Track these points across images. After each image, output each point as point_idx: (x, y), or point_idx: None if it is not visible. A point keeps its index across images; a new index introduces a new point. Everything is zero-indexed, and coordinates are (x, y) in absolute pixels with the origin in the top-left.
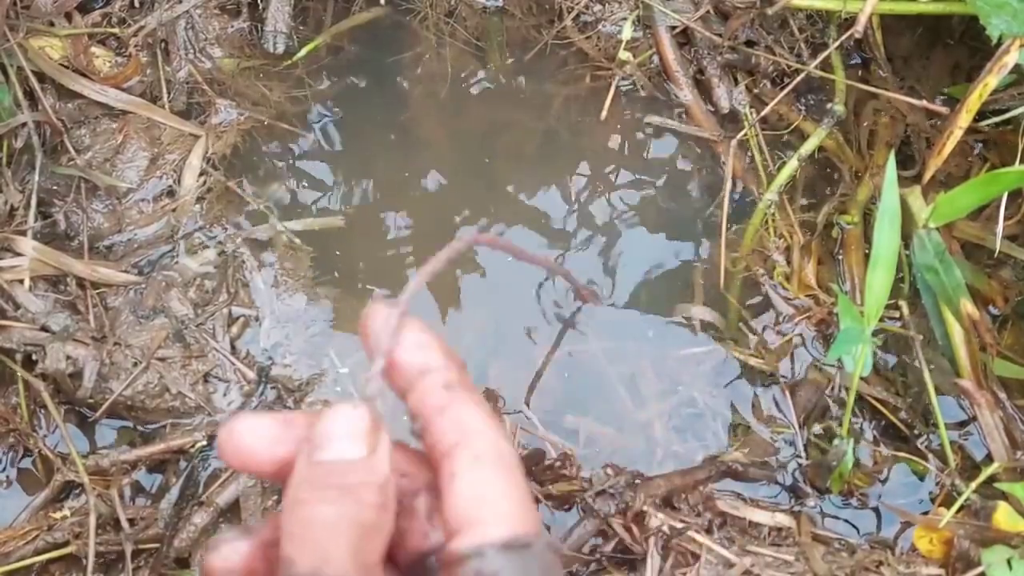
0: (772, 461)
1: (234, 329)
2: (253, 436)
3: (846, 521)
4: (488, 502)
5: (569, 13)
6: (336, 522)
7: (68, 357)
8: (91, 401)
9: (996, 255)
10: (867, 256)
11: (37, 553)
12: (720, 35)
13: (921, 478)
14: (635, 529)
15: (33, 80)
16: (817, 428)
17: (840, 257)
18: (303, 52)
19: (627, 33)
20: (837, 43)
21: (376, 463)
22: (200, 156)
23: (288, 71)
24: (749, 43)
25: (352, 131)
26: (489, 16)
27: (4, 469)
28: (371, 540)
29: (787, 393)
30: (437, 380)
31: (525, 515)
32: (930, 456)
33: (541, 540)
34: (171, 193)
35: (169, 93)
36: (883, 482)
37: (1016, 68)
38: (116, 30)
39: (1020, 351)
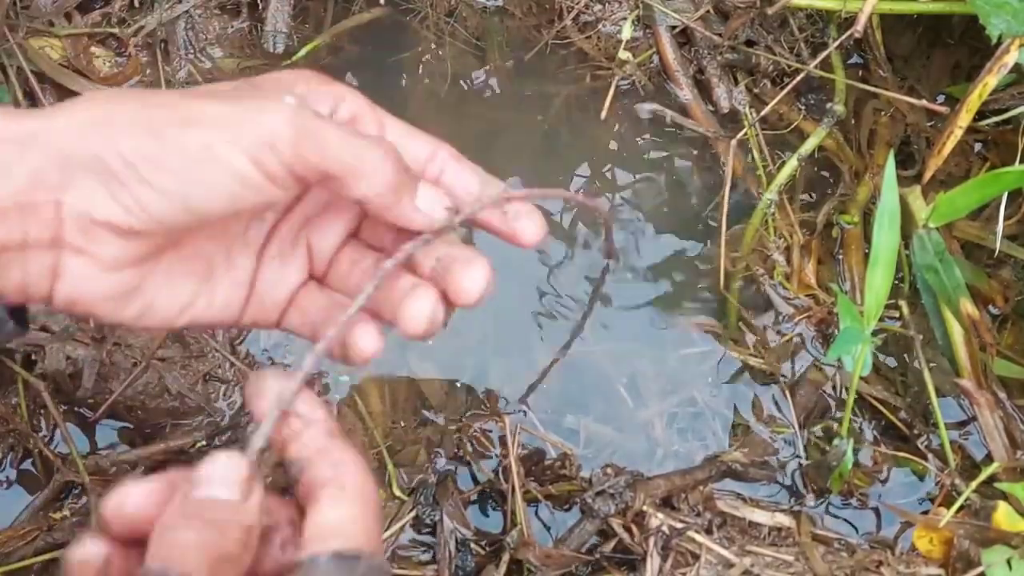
0: (772, 461)
1: (234, 329)
2: (138, 504)
3: (846, 521)
4: (334, 523)
5: (569, 13)
6: (197, 545)
7: (68, 357)
8: (91, 401)
9: (996, 255)
10: (867, 256)
11: (37, 553)
12: (720, 35)
13: (921, 478)
14: (635, 529)
15: (33, 80)
16: (817, 428)
17: (840, 257)
18: (303, 52)
19: (627, 33)
20: (837, 43)
21: (247, 508)
22: None
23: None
24: (749, 43)
25: None
26: (489, 16)
27: (4, 469)
28: (227, 570)
29: (787, 393)
30: (320, 429)
31: (366, 537)
32: (930, 456)
33: (374, 557)
34: None
35: None
36: (883, 482)
37: (1016, 68)
38: (116, 30)
39: (1020, 351)
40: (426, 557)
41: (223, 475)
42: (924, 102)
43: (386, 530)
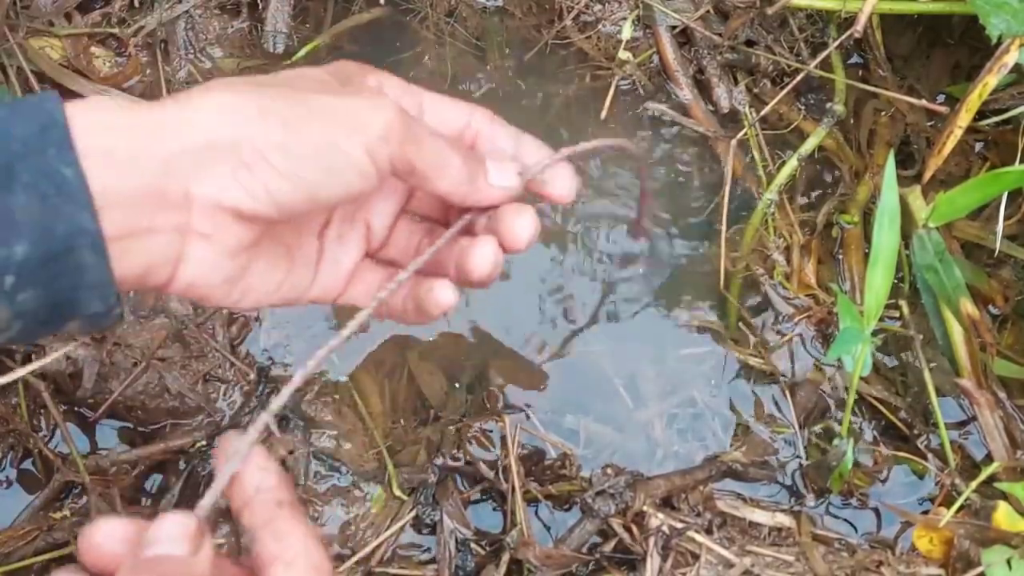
0: (772, 461)
1: (234, 329)
2: (107, 543)
3: (846, 521)
4: None
5: (569, 13)
6: None
7: (68, 357)
8: (91, 401)
9: (996, 255)
10: (867, 256)
11: (37, 553)
12: (720, 35)
13: (921, 478)
14: (635, 529)
15: (33, 80)
16: (817, 428)
17: (840, 257)
18: (303, 52)
19: (627, 33)
20: (837, 43)
21: (196, 562)
22: None
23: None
24: (749, 43)
25: None
26: (489, 16)
27: (4, 469)
28: None
29: (787, 393)
30: (269, 498)
31: None
32: (930, 456)
33: None
34: None
35: (169, 93)
36: (883, 482)
37: (1016, 68)
38: (116, 30)
39: (1020, 351)
40: (426, 557)
41: (172, 532)
42: (924, 102)
43: (386, 530)
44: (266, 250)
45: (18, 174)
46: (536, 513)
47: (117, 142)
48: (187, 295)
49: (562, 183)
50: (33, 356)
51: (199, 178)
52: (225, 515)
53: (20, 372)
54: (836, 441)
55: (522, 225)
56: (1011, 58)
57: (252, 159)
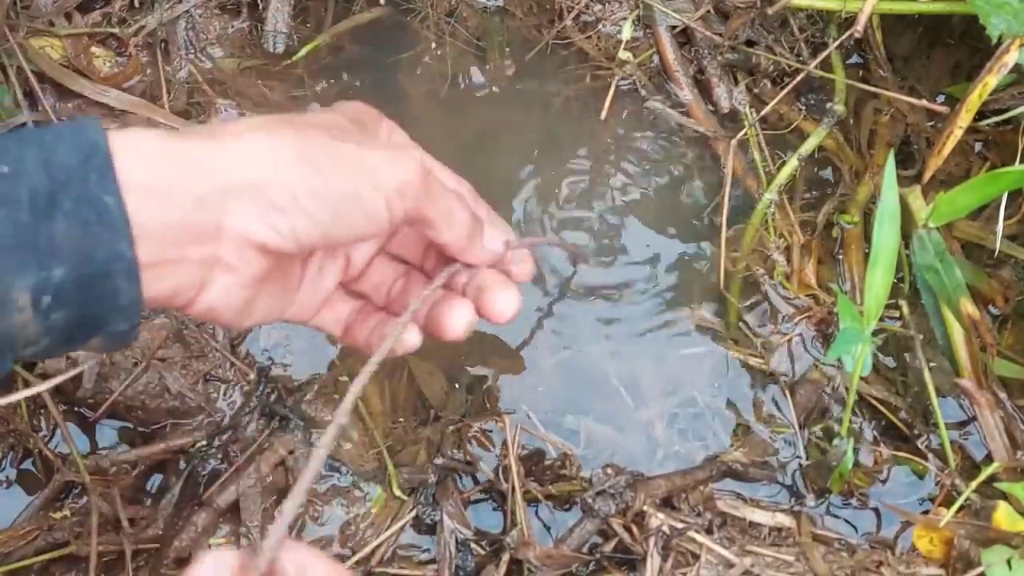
0: (772, 461)
1: (237, 329)
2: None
3: (846, 521)
4: None
5: (569, 13)
6: None
7: (68, 357)
8: (91, 401)
9: (996, 255)
10: (867, 256)
11: (37, 553)
12: (720, 35)
13: (921, 478)
14: (635, 529)
15: (33, 80)
16: (817, 428)
17: (840, 257)
18: (303, 52)
19: (627, 33)
20: (837, 43)
21: None
22: None
23: (288, 71)
24: (749, 43)
25: None
26: (489, 16)
27: (4, 469)
28: None
29: (787, 393)
30: None
31: None
32: (930, 456)
33: None
34: None
35: (169, 93)
36: (883, 482)
37: (1016, 68)
38: (116, 30)
39: (1020, 351)
40: (426, 557)
41: (215, 571)
42: (924, 102)
43: (386, 530)
44: (273, 278)
45: (60, 203)
46: (536, 513)
47: (158, 178)
48: (203, 317)
49: (524, 268)
50: (37, 363)
51: (230, 215)
52: (225, 515)
53: (40, 388)
54: (836, 441)
55: (506, 301)
56: (1011, 58)
57: (284, 200)
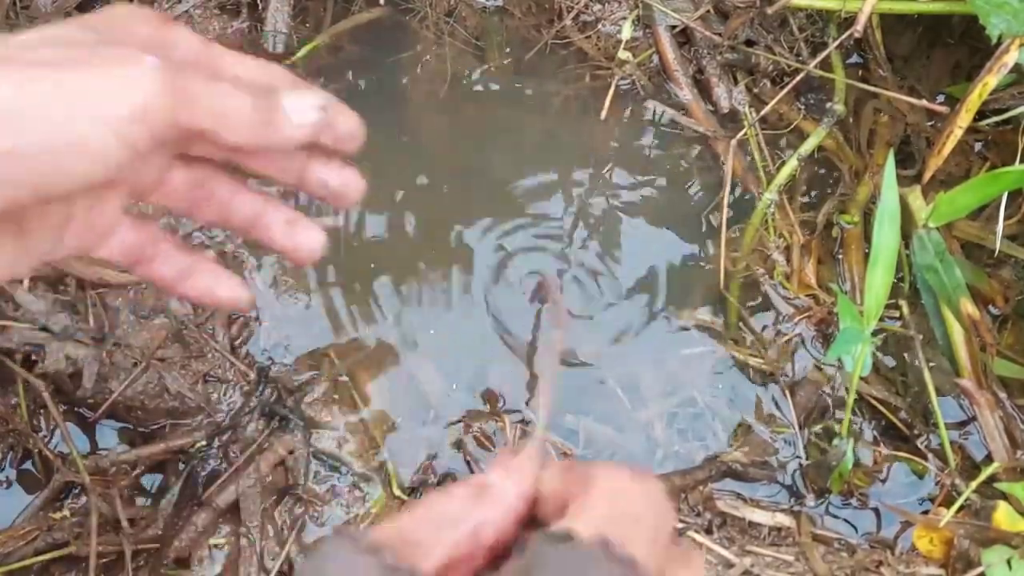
0: (772, 461)
1: (234, 329)
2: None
3: (846, 521)
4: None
5: (569, 13)
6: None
7: (68, 357)
8: (91, 401)
9: (996, 255)
10: (867, 256)
11: (37, 553)
12: (720, 35)
13: (921, 478)
14: None
15: None
16: (817, 428)
17: (840, 257)
18: (303, 52)
19: (627, 33)
20: (837, 42)
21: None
22: None
23: (288, 71)
24: (749, 42)
25: None
26: (489, 16)
27: (4, 469)
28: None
29: (787, 393)
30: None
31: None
32: (930, 456)
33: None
34: None
35: None
36: (883, 482)
37: (1016, 67)
38: None
39: (1020, 351)
40: None
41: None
42: (924, 102)
43: None
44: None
45: None
46: None
47: None
48: None
49: (347, 123)
50: (33, 356)
51: None
52: (225, 515)
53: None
54: (836, 441)
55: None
56: (1011, 58)
57: None
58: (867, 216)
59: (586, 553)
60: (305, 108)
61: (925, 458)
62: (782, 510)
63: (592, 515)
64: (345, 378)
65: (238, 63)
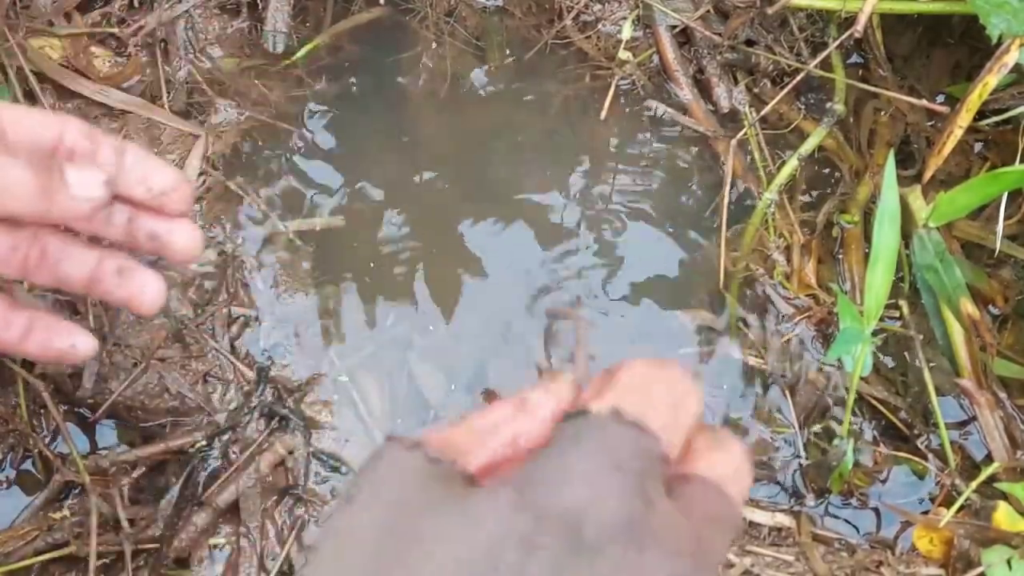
0: (772, 461)
1: (234, 329)
2: None
3: (846, 521)
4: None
5: (569, 13)
6: None
7: None
8: (91, 401)
9: (996, 255)
10: (867, 256)
11: (37, 553)
12: (720, 35)
13: (921, 478)
14: None
15: (33, 80)
16: (817, 428)
17: (840, 256)
18: (303, 52)
19: (627, 33)
20: (837, 42)
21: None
22: (200, 156)
23: (288, 71)
24: (749, 42)
25: (352, 131)
26: (489, 16)
27: (4, 469)
28: None
29: (787, 393)
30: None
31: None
32: (930, 456)
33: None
34: None
35: (169, 93)
36: (883, 482)
37: (1016, 67)
38: (116, 30)
39: (1020, 351)
40: None
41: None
42: (924, 102)
43: None
44: None
45: None
46: None
47: None
48: None
49: (180, 196)
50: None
51: None
52: (225, 515)
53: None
54: (836, 441)
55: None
56: (1011, 58)
57: None
58: (867, 216)
59: (596, 419)
60: (88, 182)
61: (925, 458)
62: (782, 510)
63: (609, 395)
64: (345, 378)
65: (22, 114)
